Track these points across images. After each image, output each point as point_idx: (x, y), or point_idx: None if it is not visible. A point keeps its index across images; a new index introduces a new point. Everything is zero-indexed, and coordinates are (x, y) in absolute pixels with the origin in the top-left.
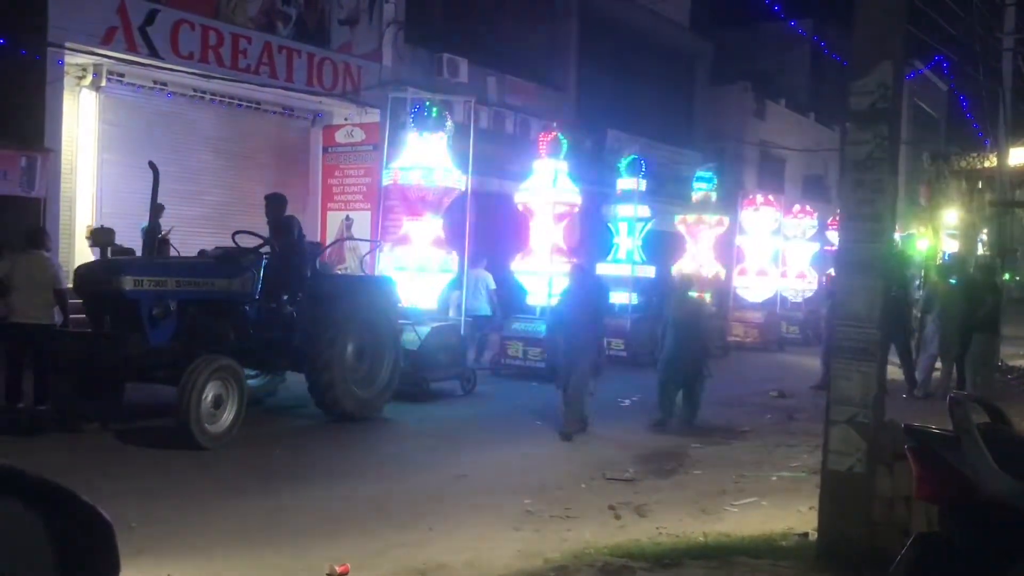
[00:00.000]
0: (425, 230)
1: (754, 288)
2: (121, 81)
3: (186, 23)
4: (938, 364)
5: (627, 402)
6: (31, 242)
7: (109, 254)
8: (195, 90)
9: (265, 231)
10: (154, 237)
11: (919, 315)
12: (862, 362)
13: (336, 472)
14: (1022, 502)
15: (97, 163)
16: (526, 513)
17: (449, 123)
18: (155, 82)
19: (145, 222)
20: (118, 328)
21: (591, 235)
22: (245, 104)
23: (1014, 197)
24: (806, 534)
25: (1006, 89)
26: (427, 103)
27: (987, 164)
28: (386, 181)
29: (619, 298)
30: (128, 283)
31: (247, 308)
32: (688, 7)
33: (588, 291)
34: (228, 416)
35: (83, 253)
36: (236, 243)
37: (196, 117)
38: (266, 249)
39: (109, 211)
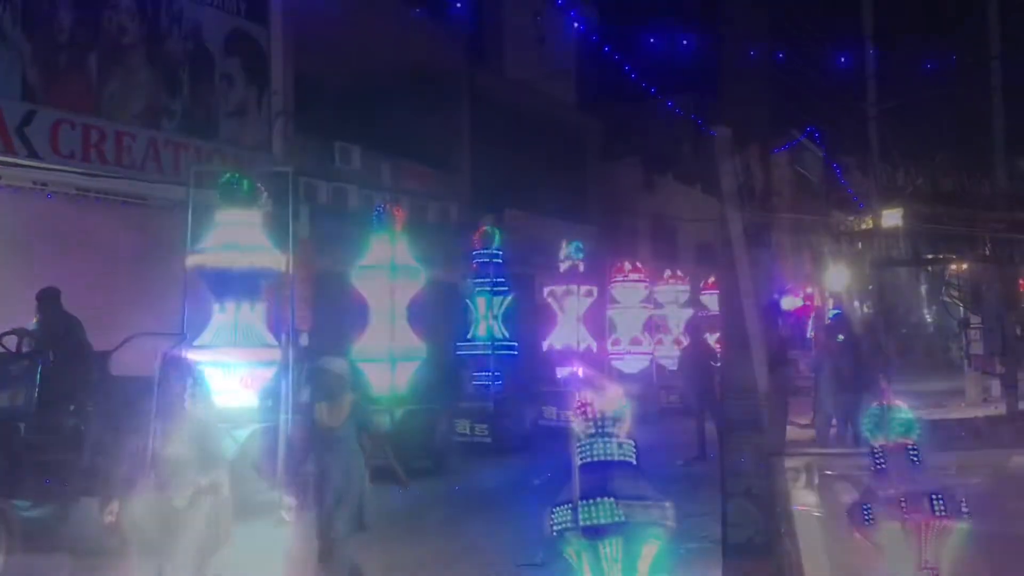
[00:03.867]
0: (240, 317)
1: (628, 359)
2: None
3: (66, 122)
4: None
5: (538, 481)
6: None
7: None
8: (78, 189)
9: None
10: None
11: (813, 375)
12: (752, 433)
13: None
14: None
15: None
16: None
17: (264, 197)
18: (34, 182)
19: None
20: None
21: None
22: (131, 200)
23: (890, 256)
24: None
25: (874, 155)
26: (236, 175)
27: (864, 226)
28: (190, 263)
29: (480, 378)
30: None
31: (20, 426)
32: (573, 87)
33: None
34: None
35: None
36: (5, 346)
37: (80, 216)
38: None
39: None
